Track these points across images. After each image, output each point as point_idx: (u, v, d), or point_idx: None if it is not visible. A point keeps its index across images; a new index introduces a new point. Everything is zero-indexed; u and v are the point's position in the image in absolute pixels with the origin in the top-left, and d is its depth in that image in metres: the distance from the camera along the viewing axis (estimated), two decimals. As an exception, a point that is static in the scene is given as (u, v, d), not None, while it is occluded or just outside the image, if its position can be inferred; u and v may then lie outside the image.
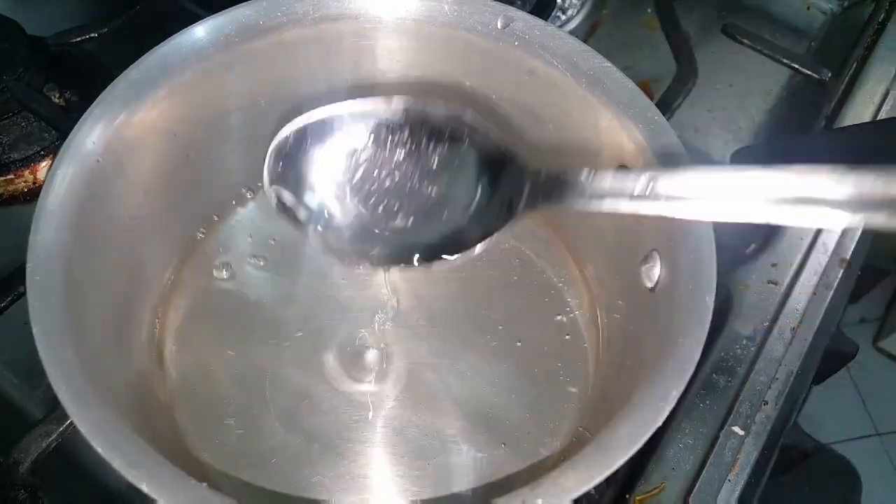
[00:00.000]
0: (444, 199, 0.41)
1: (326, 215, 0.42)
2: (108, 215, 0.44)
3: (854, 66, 0.71)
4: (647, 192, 0.34)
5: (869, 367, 1.59)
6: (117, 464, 0.33)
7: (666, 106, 0.64)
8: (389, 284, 0.56)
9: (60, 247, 0.39)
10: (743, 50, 0.74)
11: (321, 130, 0.41)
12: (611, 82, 0.46)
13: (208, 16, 0.47)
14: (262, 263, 0.56)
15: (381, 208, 0.41)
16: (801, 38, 0.80)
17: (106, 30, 0.65)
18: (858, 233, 0.62)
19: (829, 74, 0.69)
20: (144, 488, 0.32)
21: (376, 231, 0.42)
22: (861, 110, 0.68)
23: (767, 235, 0.62)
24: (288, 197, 0.41)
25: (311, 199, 0.42)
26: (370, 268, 0.46)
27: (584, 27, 0.79)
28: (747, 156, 0.44)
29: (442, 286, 0.56)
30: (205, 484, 0.34)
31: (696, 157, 0.67)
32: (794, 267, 0.60)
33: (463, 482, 0.49)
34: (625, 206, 0.35)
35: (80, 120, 0.42)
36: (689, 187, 0.33)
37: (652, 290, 0.44)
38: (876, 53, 0.72)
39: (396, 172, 0.41)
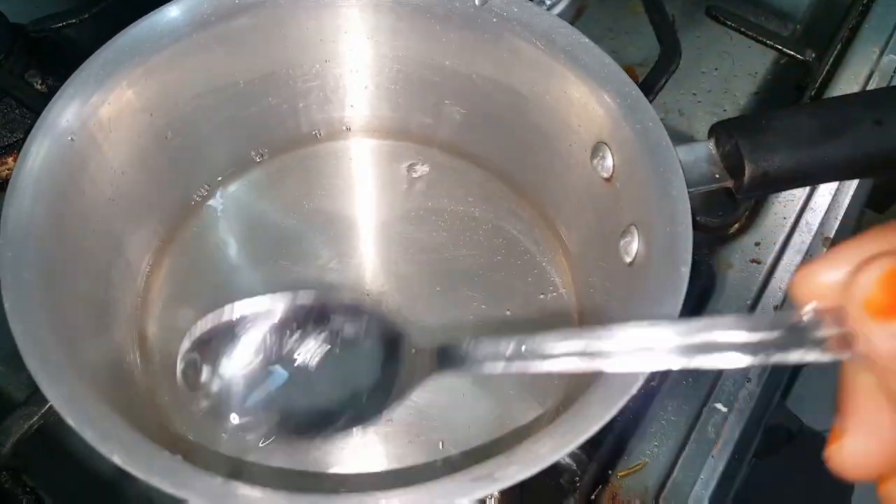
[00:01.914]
0: (348, 376, 0.44)
1: (240, 402, 0.43)
2: (84, 194, 0.44)
3: (839, 47, 0.71)
4: (519, 355, 0.35)
5: (863, 355, 1.60)
6: (89, 436, 0.33)
7: (649, 88, 0.64)
8: (372, 266, 0.56)
9: (34, 224, 0.39)
10: (728, 32, 0.74)
11: (228, 327, 0.43)
12: (588, 58, 0.46)
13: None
14: (244, 244, 0.56)
15: (287, 390, 0.43)
16: (786, 21, 0.80)
17: (87, 15, 0.65)
18: (842, 212, 0.62)
19: (813, 55, 0.69)
20: (116, 460, 0.32)
21: (285, 410, 0.44)
22: (845, 91, 0.68)
23: (751, 215, 0.62)
24: (202, 389, 0.43)
25: (222, 385, 0.43)
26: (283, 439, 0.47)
27: (570, 12, 0.79)
28: (726, 128, 0.44)
29: (426, 266, 0.56)
30: (179, 455, 0.33)
31: (679, 138, 0.67)
32: (778, 246, 0.60)
33: (447, 459, 0.49)
34: (500, 368, 0.36)
35: (54, 98, 0.42)
36: (554, 347, 0.34)
37: (630, 264, 0.45)
38: (860, 35, 0.72)
39: (301, 357, 0.43)
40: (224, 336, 0.42)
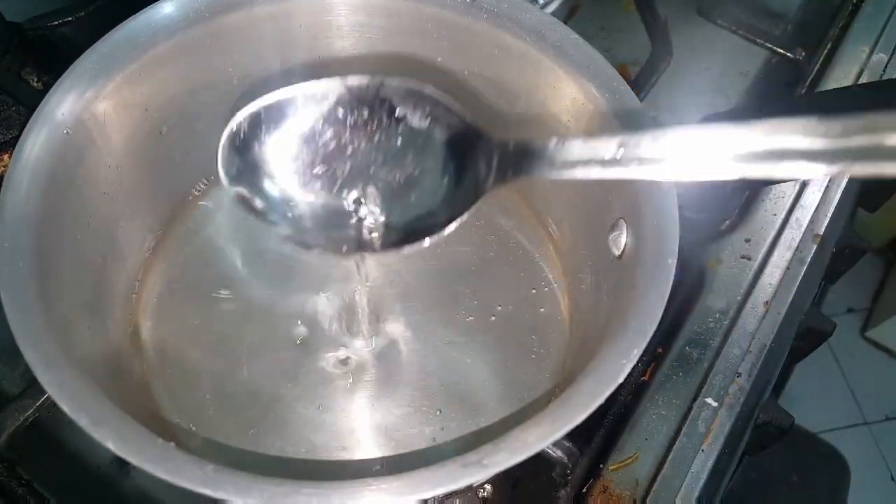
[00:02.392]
0: (411, 180, 0.40)
1: (288, 204, 0.40)
2: (79, 188, 0.44)
3: (829, 46, 0.72)
4: (618, 157, 0.33)
5: (857, 357, 1.61)
6: (83, 422, 0.33)
7: (641, 86, 0.65)
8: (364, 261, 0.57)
9: (30, 216, 0.40)
10: (720, 32, 0.75)
11: (275, 115, 0.38)
12: (577, 54, 0.47)
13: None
14: (239, 240, 0.57)
15: (344, 194, 0.40)
16: (777, 20, 0.80)
17: (83, 13, 0.66)
18: (832, 209, 0.63)
19: (804, 54, 0.70)
20: (110, 446, 0.33)
21: (341, 218, 0.40)
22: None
23: (741, 211, 0.62)
24: (247, 188, 0.39)
25: (272, 188, 0.40)
26: (339, 256, 0.44)
27: (563, 11, 0.79)
28: (712, 122, 0.44)
29: (418, 262, 0.57)
30: (172, 443, 0.34)
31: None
32: (768, 242, 0.61)
33: (439, 452, 0.49)
34: (596, 173, 0.33)
35: (50, 91, 0.43)
36: (661, 149, 0.32)
37: (619, 257, 0.45)
38: (850, 34, 0.73)
39: (358, 155, 0.39)
40: (269, 124, 0.38)
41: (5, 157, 0.64)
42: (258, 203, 0.40)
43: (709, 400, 0.54)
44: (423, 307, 0.55)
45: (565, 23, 0.49)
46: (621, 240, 0.45)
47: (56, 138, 0.42)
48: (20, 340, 0.35)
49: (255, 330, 0.53)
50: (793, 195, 0.63)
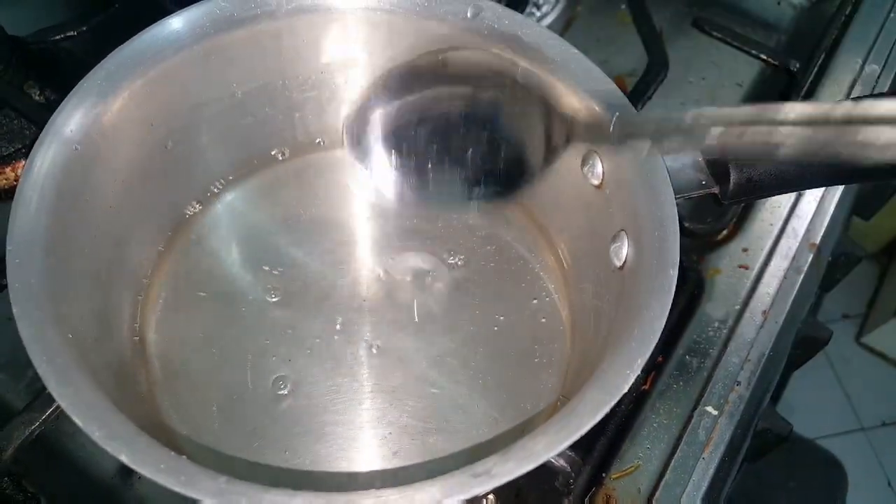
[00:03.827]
0: (496, 146, 0.49)
1: (392, 167, 0.50)
2: (87, 203, 0.45)
3: (822, 57, 0.73)
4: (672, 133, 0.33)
5: (852, 363, 1.61)
6: (96, 436, 0.33)
7: (637, 98, 0.65)
8: (368, 273, 0.57)
9: (39, 232, 0.40)
10: (715, 43, 0.75)
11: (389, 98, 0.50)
12: (577, 68, 0.48)
13: (185, 10, 0.48)
14: (242, 252, 0.57)
15: (441, 157, 0.49)
16: (771, 32, 0.81)
17: (85, 28, 0.66)
18: (828, 218, 0.64)
19: (798, 65, 0.71)
20: (124, 459, 0.33)
21: (439, 177, 0.50)
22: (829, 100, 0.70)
23: (739, 221, 0.63)
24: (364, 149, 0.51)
25: (381, 154, 0.51)
26: (433, 208, 0.54)
27: (559, 23, 0.81)
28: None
29: (419, 274, 0.57)
30: (184, 456, 0.34)
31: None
32: (765, 252, 0.62)
33: (444, 462, 0.50)
34: (649, 147, 0.36)
35: (59, 107, 0.43)
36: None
37: (620, 268, 0.46)
38: (843, 45, 0.74)
39: (456, 128, 0.49)
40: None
41: (7, 170, 0.64)
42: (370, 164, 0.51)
43: (709, 408, 0.54)
44: (426, 318, 0.55)
45: (562, 35, 0.49)
46: (622, 251, 0.46)
47: (65, 154, 0.43)
48: (33, 354, 0.35)
49: (258, 340, 0.53)
50: (789, 205, 0.64)
